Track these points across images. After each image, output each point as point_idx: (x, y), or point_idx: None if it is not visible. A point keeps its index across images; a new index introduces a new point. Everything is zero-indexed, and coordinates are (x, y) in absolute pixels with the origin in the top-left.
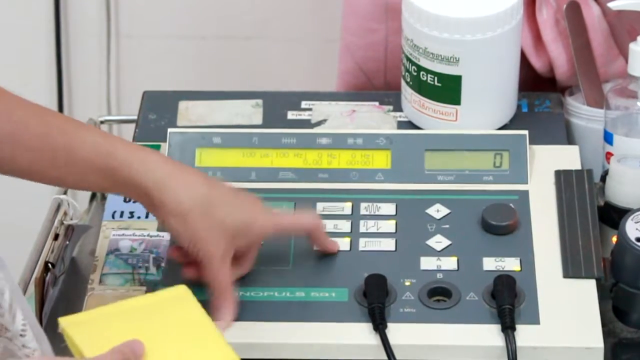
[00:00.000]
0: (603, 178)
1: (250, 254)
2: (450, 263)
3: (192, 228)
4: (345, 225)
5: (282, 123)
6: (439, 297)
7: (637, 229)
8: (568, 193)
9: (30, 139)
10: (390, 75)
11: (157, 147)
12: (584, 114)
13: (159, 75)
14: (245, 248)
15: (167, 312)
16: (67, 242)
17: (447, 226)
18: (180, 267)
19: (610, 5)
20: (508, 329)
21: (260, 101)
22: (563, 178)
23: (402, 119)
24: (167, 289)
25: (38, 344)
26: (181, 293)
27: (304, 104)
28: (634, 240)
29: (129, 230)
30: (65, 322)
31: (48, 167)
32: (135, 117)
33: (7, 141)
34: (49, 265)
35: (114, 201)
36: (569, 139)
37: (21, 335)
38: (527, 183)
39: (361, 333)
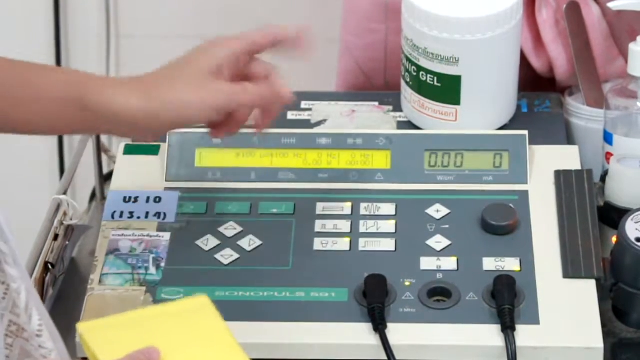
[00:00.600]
0: (603, 178)
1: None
2: (450, 263)
3: (189, 98)
4: (345, 226)
5: (281, 123)
6: (439, 297)
7: (637, 229)
8: (568, 193)
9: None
10: (390, 76)
11: (157, 148)
12: (583, 114)
13: None
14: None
15: (186, 321)
16: (67, 243)
17: (447, 226)
18: (179, 269)
19: (610, 5)
20: (508, 329)
21: None
22: (563, 178)
23: (401, 119)
24: (188, 297)
25: (54, 344)
26: (202, 303)
27: (303, 104)
28: (633, 240)
29: (129, 231)
30: (83, 328)
31: (10, 113)
32: None
33: None
34: (49, 265)
35: (113, 201)
36: (569, 139)
37: (37, 335)
38: (526, 183)
39: (361, 333)
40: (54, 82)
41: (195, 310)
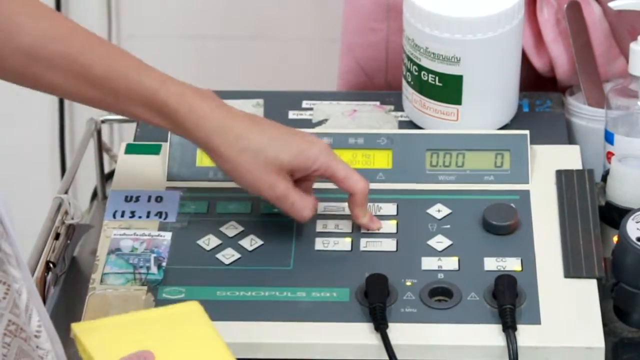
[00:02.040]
0: (604, 178)
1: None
2: (451, 263)
3: (246, 173)
4: (346, 225)
5: (283, 123)
6: (440, 297)
7: (638, 228)
8: (569, 193)
9: (94, 80)
10: (391, 75)
11: (158, 147)
12: (584, 114)
13: None
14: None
15: (179, 325)
16: (68, 242)
17: (448, 226)
18: (181, 269)
19: (610, 5)
20: (509, 329)
21: (261, 101)
22: (564, 178)
23: (403, 119)
24: (180, 303)
25: (51, 346)
26: (193, 308)
27: (305, 104)
28: (634, 240)
29: (130, 230)
30: (78, 329)
31: (112, 103)
32: None
33: (73, 79)
34: (50, 264)
35: (115, 201)
36: (570, 139)
37: (36, 336)
38: (528, 183)
39: (362, 333)
40: (145, 89)
41: (187, 314)
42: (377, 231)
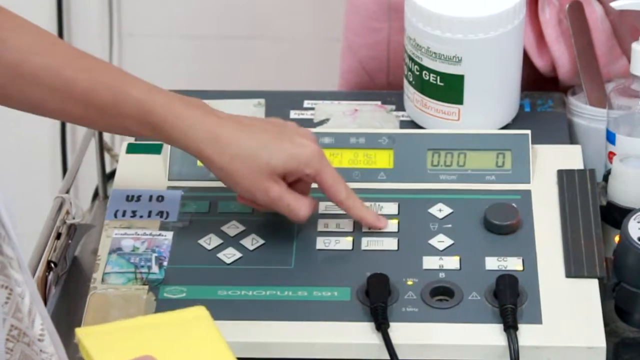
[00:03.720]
0: (605, 178)
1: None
2: (452, 262)
3: (239, 180)
4: (347, 225)
5: None
6: (441, 297)
7: (639, 228)
8: (570, 193)
9: (78, 94)
10: (392, 75)
11: (160, 147)
12: (586, 114)
13: (161, 75)
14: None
15: (184, 331)
16: (70, 241)
17: (450, 226)
18: (182, 268)
19: (612, 4)
20: (510, 329)
21: (262, 100)
22: (565, 178)
23: (404, 119)
24: (186, 308)
25: (55, 350)
26: (199, 314)
27: (306, 103)
28: (636, 239)
29: (131, 230)
30: (82, 333)
31: (96, 118)
32: None
33: (57, 93)
34: (51, 264)
35: (116, 200)
36: (572, 139)
37: (39, 340)
38: (529, 182)
39: (363, 332)
40: (132, 100)
41: (193, 320)
42: (380, 230)
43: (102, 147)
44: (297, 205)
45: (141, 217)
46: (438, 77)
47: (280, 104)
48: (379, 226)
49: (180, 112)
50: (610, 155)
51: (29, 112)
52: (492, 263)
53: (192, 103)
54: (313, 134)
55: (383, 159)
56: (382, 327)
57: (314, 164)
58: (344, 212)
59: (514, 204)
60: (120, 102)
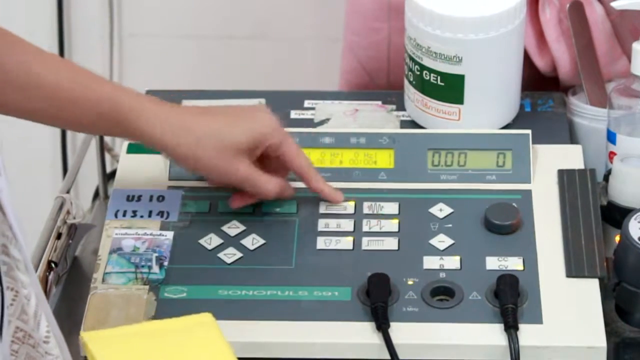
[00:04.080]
0: (606, 177)
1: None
2: (453, 262)
3: (208, 161)
4: (348, 225)
5: (285, 122)
6: (442, 297)
7: (639, 228)
8: (571, 192)
9: (44, 90)
10: (393, 75)
11: None
12: (587, 114)
13: (161, 75)
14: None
15: (189, 337)
16: (70, 241)
17: (450, 225)
18: (182, 268)
19: (613, 4)
20: (511, 328)
21: (263, 100)
22: (566, 177)
23: (405, 118)
24: (192, 315)
25: (60, 351)
26: (205, 320)
27: (307, 103)
28: (636, 239)
29: (132, 229)
30: (88, 337)
31: (57, 113)
32: None
33: (21, 92)
34: (52, 264)
35: (117, 200)
36: (572, 139)
37: (45, 342)
38: (530, 182)
39: (364, 332)
40: (99, 95)
41: (199, 326)
42: (379, 230)
43: (102, 147)
44: (265, 179)
45: (142, 217)
46: (438, 77)
47: (280, 104)
48: (336, 200)
49: (144, 106)
50: (611, 155)
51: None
52: (493, 263)
53: (155, 99)
54: (267, 108)
55: (384, 159)
56: (382, 327)
57: (275, 134)
58: (344, 212)
59: (514, 204)
60: (85, 98)
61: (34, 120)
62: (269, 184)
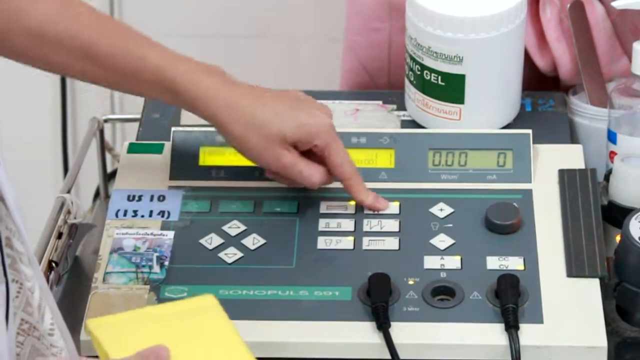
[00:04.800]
0: (607, 177)
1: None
2: (453, 262)
3: (252, 146)
4: (348, 224)
5: None
6: (443, 296)
7: None
8: (572, 192)
9: (101, 59)
10: (393, 75)
11: (161, 147)
12: (587, 113)
13: None
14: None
15: (194, 320)
16: (71, 241)
17: (451, 225)
18: (183, 268)
19: (613, 4)
20: (511, 328)
21: None
22: (567, 177)
23: (405, 118)
24: (195, 297)
25: (64, 343)
26: (208, 302)
27: None
28: (637, 239)
29: (133, 229)
30: (93, 324)
31: (118, 82)
32: (139, 116)
33: (80, 58)
34: (53, 263)
35: (117, 200)
36: (573, 138)
37: (49, 334)
38: (530, 182)
39: (365, 332)
40: (153, 66)
41: (202, 309)
42: (380, 230)
43: (103, 147)
44: (310, 171)
45: (142, 216)
46: (439, 77)
47: None
48: (378, 208)
49: (200, 81)
50: (612, 154)
51: (55, 73)
52: (494, 262)
53: (212, 71)
54: (329, 109)
55: (384, 159)
56: (383, 326)
57: (323, 136)
58: (345, 212)
59: (515, 204)
60: (140, 68)
61: (96, 84)
62: (313, 176)
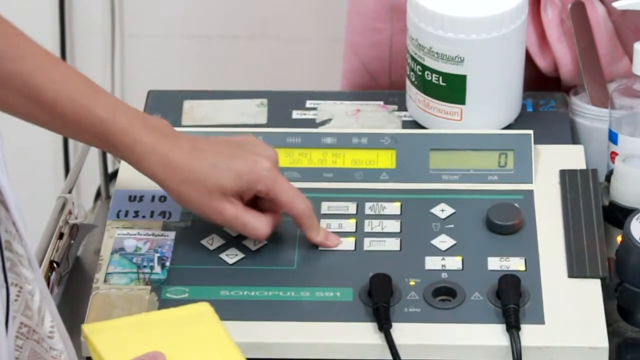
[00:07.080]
0: (608, 178)
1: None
2: (455, 263)
3: (191, 203)
4: (350, 225)
5: (286, 122)
6: (444, 297)
7: None
8: (573, 193)
9: (44, 103)
10: (395, 75)
11: None
12: (588, 114)
13: (163, 75)
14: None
15: (189, 327)
16: (72, 241)
17: (452, 226)
18: (184, 268)
19: (615, 5)
20: (513, 329)
21: (265, 100)
22: (568, 178)
23: (406, 119)
24: (190, 304)
25: (64, 346)
26: (204, 310)
27: (308, 104)
28: (638, 240)
29: (134, 230)
30: (89, 329)
31: (60, 127)
32: None
33: (24, 99)
34: (54, 264)
35: (119, 200)
36: (574, 139)
37: (49, 337)
38: (531, 183)
39: (366, 333)
40: (94, 118)
41: (198, 316)
42: (381, 230)
43: None
44: (255, 224)
45: (144, 217)
46: (440, 77)
47: (282, 104)
48: (329, 245)
49: (138, 137)
50: (613, 155)
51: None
52: (495, 263)
53: (152, 126)
54: (272, 149)
55: (385, 159)
56: (384, 327)
57: (263, 181)
58: (346, 213)
59: (516, 204)
60: (82, 118)
61: (39, 126)
62: (258, 230)
